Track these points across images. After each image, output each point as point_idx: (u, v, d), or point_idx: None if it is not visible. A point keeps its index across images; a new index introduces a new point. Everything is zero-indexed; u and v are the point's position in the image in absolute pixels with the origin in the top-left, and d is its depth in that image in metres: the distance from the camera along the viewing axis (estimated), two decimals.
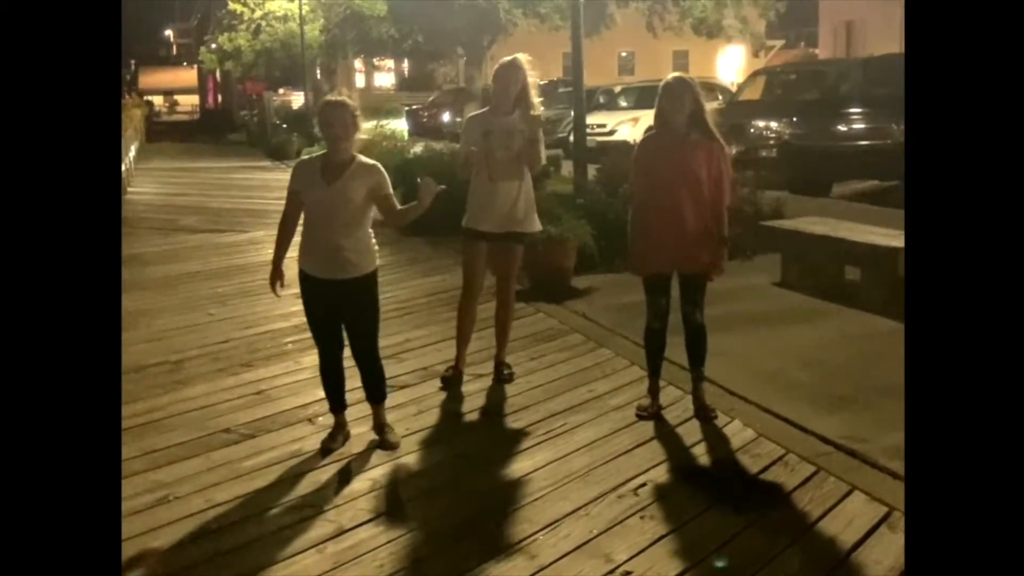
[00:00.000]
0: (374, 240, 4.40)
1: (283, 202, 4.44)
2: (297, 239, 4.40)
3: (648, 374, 4.92)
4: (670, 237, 4.61)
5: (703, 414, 4.73)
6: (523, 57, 5.15)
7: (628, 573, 3.26)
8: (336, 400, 4.52)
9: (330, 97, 4.30)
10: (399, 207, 4.31)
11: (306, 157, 4.41)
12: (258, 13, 30.33)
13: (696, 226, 4.59)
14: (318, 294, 4.33)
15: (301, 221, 4.36)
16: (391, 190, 4.29)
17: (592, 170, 10.01)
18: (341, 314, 4.39)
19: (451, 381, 5.34)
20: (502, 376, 5.40)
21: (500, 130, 5.08)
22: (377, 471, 4.20)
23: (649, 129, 4.85)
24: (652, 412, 4.76)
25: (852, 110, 13.22)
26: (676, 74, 4.71)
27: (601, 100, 23.27)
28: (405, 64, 45.06)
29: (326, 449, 4.39)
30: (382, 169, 4.29)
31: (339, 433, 4.49)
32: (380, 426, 4.53)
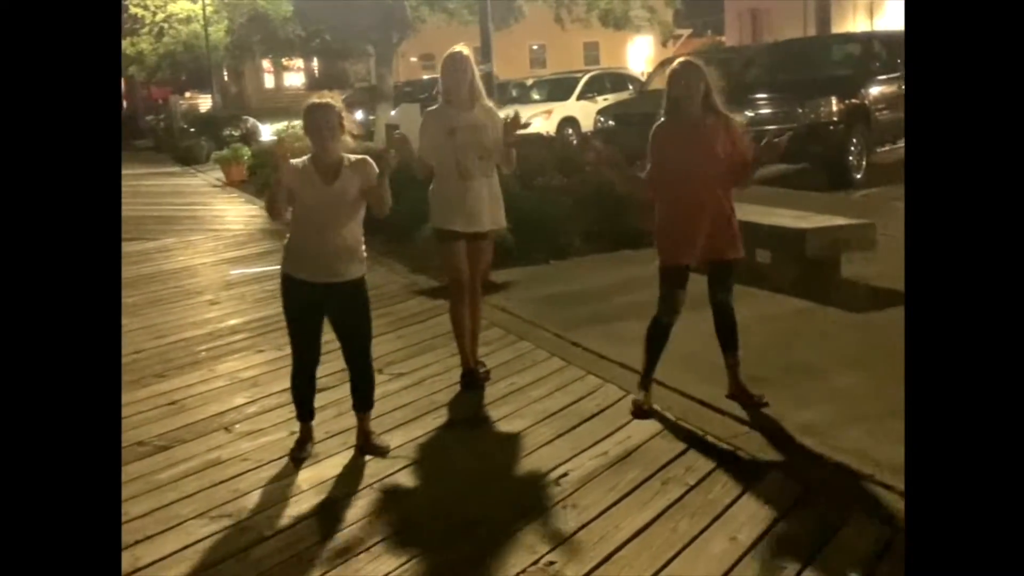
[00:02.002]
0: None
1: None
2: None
3: (644, 367, 4.74)
4: (696, 228, 4.48)
5: (745, 399, 4.62)
6: (466, 48, 5.02)
7: (551, 563, 3.27)
8: (306, 409, 4.43)
9: (315, 99, 4.21)
10: (386, 193, 4.21)
11: (294, 160, 4.21)
12: (160, 16, 29.67)
13: (720, 213, 4.50)
14: (307, 300, 4.24)
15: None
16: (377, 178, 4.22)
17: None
18: (331, 319, 4.31)
19: (472, 380, 5.18)
20: (479, 377, 5.23)
21: (466, 127, 4.91)
22: (297, 476, 4.14)
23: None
24: (647, 408, 4.64)
25: (759, 96, 13.45)
26: (683, 59, 4.59)
27: (514, 94, 23.35)
28: (315, 63, 44.56)
29: (296, 459, 4.30)
30: (370, 160, 4.23)
31: (307, 442, 4.41)
32: (366, 434, 4.43)
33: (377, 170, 4.21)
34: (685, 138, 4.49)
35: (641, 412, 4.61)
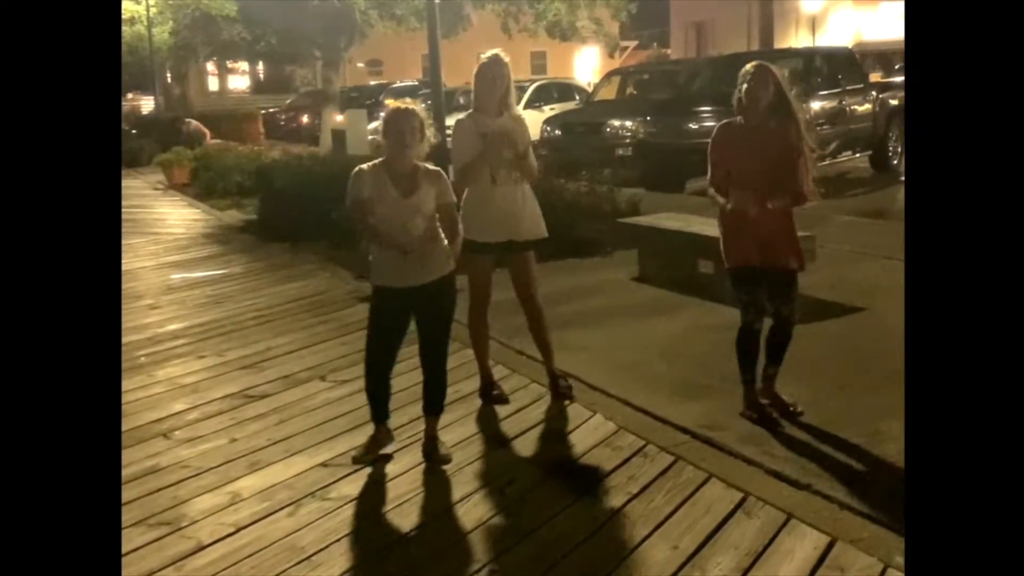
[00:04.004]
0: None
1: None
2: None
3: (742, 381, 4.64)
4: (758, 229, 4.42)
5: (783, 409, 4.58)
6: (504, 53, 4.88)
7: (494, 572, 3.27)
8: (382, 411, 4.36)
9: (398, 104, 4.14)
10: (457, 217, 4.28)
11: (364, 167, 4.15)
12: None
13: (781, 219, 4.45)
14: (394, 306, 4.20)
15: None
16: (454, 198, 4.22)
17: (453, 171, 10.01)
18: (416, 319, 4.27)
19: (497, 397, 5.04)
20: (560, 389, 5.03)
21: (497, 132, 4.77)
22: (238, 484, 4.09)
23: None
24: (761, 415, 4.55)
25: (703, 108, 13.63)
26: (757, 61, 4.51)
27: (461, 101, 23.35)
28: (260, 67, 44.17)
29: (372, 461, 4.24)
30: (444, 174, 4.20)
31: (383, 442, 4.34)
32: (432, 439, 4.37)
33: (449, 185, 4.19)
34: (748, 140, 4.46)
35: (757, 419, 4.54)
